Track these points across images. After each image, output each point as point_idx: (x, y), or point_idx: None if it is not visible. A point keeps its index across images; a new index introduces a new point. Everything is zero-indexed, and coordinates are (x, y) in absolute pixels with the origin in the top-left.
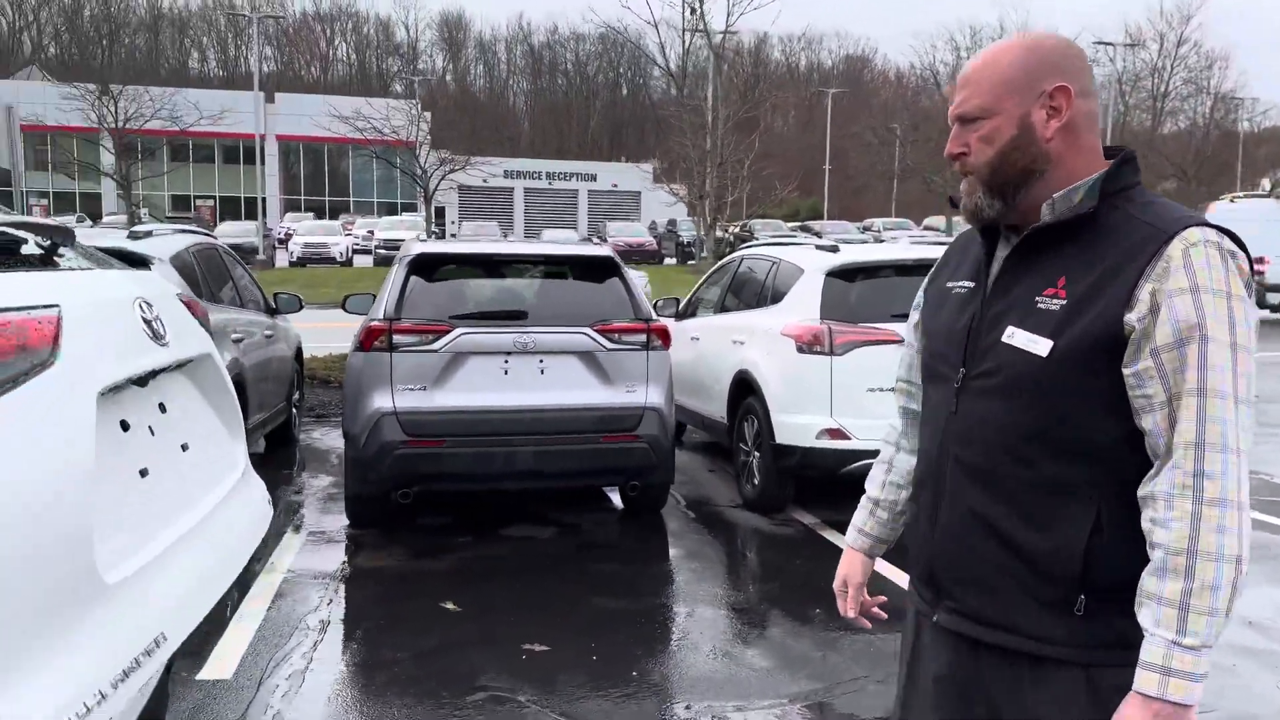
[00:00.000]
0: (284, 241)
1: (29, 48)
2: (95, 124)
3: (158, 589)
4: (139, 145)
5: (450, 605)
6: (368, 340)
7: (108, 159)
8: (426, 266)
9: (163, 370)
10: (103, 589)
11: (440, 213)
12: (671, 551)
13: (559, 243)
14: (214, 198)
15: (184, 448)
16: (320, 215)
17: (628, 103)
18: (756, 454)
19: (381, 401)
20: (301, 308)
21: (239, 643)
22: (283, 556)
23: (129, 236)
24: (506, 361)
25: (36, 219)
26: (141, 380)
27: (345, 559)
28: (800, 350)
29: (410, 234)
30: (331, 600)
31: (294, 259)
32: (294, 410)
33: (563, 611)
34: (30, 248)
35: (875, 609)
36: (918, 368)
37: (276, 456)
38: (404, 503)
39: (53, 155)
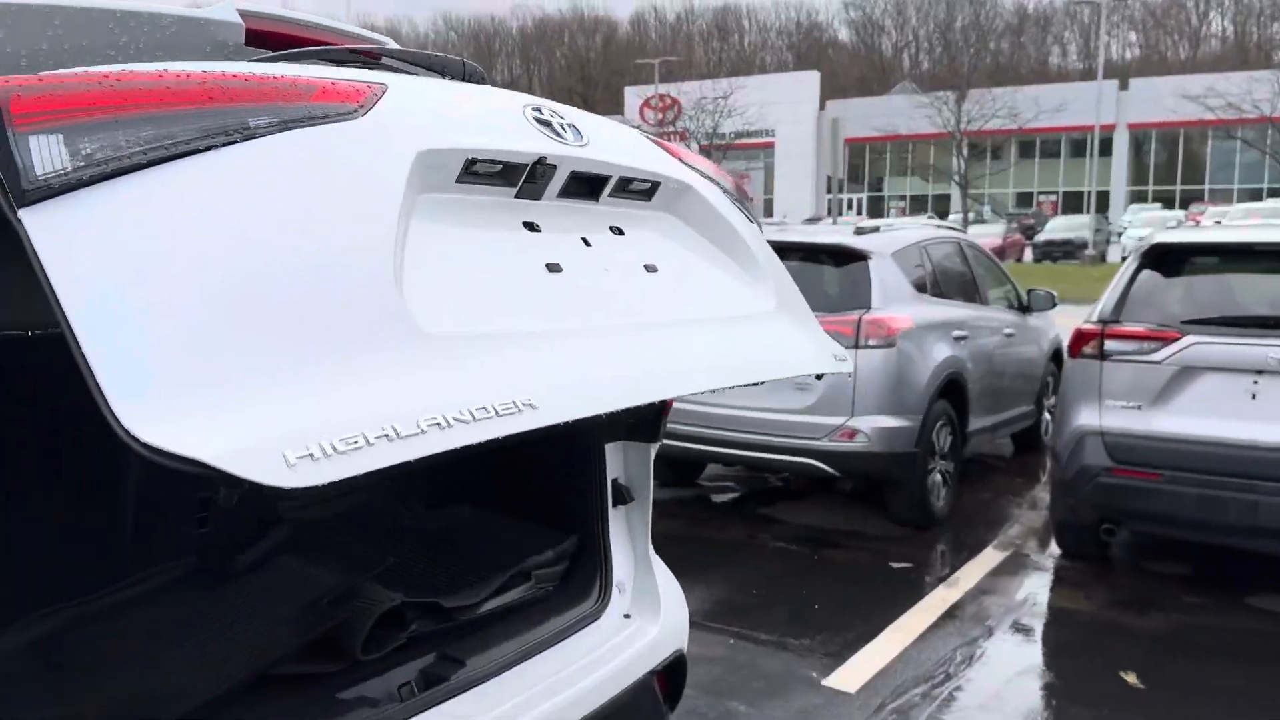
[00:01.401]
0: (1121, 235)
1: (907, 64)
2: (941, 129)
3: (532, 362)
4: (989, 146)
5: (1130, 678)
6: (1076, 345)
7: (958, 162)
8: (1165, 259)
9: (608, 188)
10: (418, 337)
11: None
12: None
13: None
14: (1056, 193)
15: (649, 268)
16: (1169, 205)
17: None
18: None
19: (1086, 418)
20: (1054, 305)
21: (880, 657)
22: (970, 572)
23: (855, 232)
24: (1255, 383)
25: (452, 57)
26: (536, 173)
27: (1035, 590)
28: None
29: (1241, 223)
30: (997, 635)
31: (1125, 254)
32: (1046, 415)
33: None
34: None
35: None
36: None
37: (1019, 462)
38: (1106, 539)
39: (911, 161)
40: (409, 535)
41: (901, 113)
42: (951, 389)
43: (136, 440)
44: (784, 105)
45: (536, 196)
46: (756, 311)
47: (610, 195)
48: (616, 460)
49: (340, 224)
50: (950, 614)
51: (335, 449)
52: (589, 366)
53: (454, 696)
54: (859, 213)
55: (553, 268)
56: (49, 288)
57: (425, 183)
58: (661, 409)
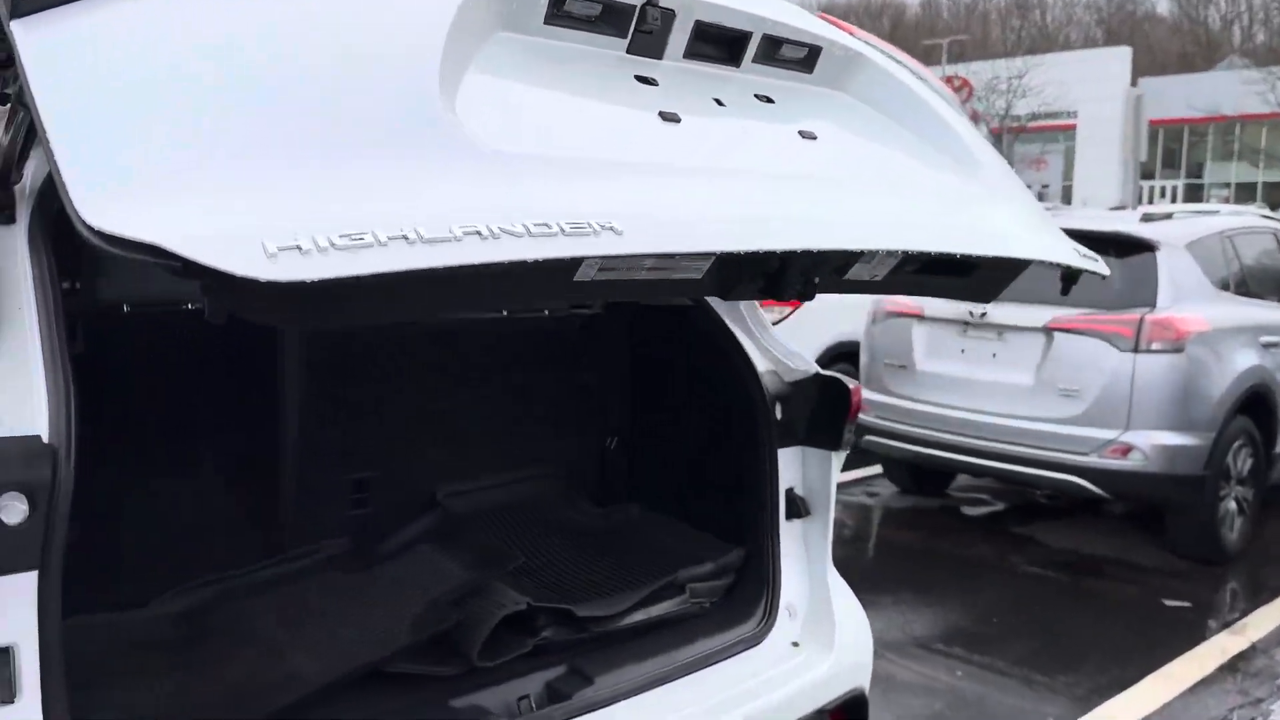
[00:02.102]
0: None
1: (1237, 38)
2: (1275, 108)
3: (622, 189)
4: None
5: None
6: None
7: None
8: None
9: (750, 50)
10: (467, 148)
11: None
12: None
13: None
14: None
15: (804, 135)
16: None
17: None
18: None
19: None
20: None
21: (1137, 707)
22: (1264, 619)
23: (1141, 219)
24: None
25: None
26: (648, 18)
27: None
28: None
29: None
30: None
31: None
32: None
33: None
34: None
35: None
36: None
37: None
38: None
39: (1238, 145)
40: (570, 533)
41: (1227, 91)
42: (1256, 403)
43: (88, 227)
44: (1088, 84)
45: (656, 54)
46: (959, 196)
47: (755, 61)
48: (793, 468)
49: (376, 35)
50: (1232, 666)
51: (333, 244)
52: (697, 204)
53: (576, 716)
54: (1173, 201)
55: (668, 117)
56: (29, 94)
57: (498, 16)
58: (845, 412)
